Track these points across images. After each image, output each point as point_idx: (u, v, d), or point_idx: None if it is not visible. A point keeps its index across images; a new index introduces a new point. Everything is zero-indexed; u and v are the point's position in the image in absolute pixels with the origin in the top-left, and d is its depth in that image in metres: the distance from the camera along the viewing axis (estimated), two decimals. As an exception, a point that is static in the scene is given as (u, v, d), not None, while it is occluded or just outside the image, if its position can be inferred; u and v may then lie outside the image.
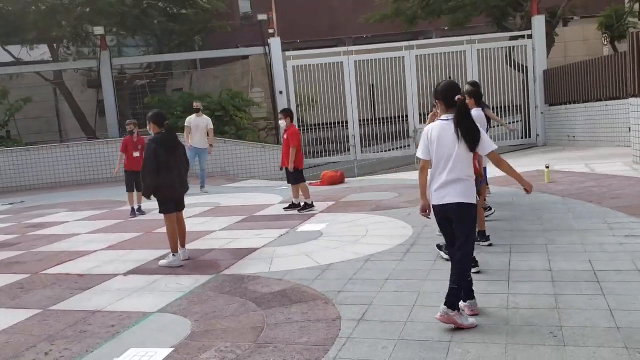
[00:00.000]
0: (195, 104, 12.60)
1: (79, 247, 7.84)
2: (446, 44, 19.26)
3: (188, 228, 8.19)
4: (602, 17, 21.79)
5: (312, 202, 9.05)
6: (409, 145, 18.81)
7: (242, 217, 8.96)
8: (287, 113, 9.18)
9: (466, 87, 9.04)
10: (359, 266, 5.67)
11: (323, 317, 4.35)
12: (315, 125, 18.47)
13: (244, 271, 5.89)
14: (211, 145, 12.50)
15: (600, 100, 15.70)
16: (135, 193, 10.07)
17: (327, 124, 18.49)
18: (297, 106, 18.45)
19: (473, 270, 4.60)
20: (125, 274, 6.19)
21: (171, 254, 6.34)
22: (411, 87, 18.43)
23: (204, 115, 12.65)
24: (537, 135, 18.94)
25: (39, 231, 9.37)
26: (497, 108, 19.17)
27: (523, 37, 19.14)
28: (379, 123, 18.78)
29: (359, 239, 6.86)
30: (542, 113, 18.83)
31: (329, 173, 12.36)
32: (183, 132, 12.29)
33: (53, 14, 17.62)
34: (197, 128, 12.20)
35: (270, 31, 18.48)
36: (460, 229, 3.99)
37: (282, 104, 17.76)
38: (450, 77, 17.48)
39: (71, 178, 16.33)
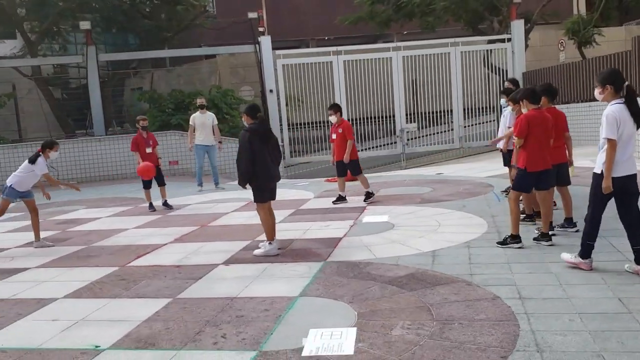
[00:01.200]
0: (199, 100, 12.33)
1: (141, 240, 7.75)
2: (431, 46, 19.79)
3: (241, 221, 8.31)
4: (569, 24, 22.87)
5: (372, 191, 9.39)
6: (395, 142, 19.19)
7: (290, 211, 9.04)
8: (337, 108, 9.34)
9: (505, 84, 9.51)
10: (465, 252, 5.92)
11: (481, 297, 4.58)
12: (305, 124, 18.59)
13: (349, 258, 6.03)
14: (220, 142, 12.39)
15: (584, 101, 16.55)
16: (152, 189, 10.18)
17: (316, 122, 18.65)
18: (286, 105, 18.56)
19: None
20: (226, 264, 6.21)
21: (267, 242, 6.40)
22: (398, 87, 18.85)
23: (208, 112, 12.42)
24: (516, 135, 19.66)
25: (78, 227, 9.17)
26: (475, 109, 19.94)
27: (502, 40, 19.92)
28: (367, 122, 19.10)
29: (437, 229, 7.11)
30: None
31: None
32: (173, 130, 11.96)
33: (41, 5, 17.02)
34: (203, 125, 11.99)
35: (261, 29, 18.50)
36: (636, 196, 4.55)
37: (272, 102, 17.87)
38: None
39: (61, 176, 15.83)
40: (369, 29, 23.34)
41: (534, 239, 6.05)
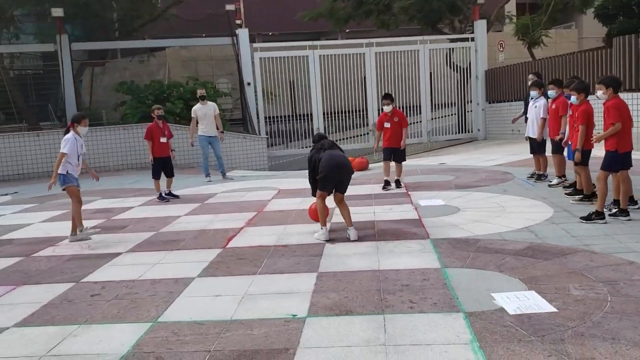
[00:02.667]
0: (199, 91, 12.21)
1: (209, 226, 7.78)
2: (402, 43, 20.50)
3: (292, 207, 8.50)
4: (518, 24, 24.26)
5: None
6: (367, 133, 19.71)
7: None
8: (391, 98, 9.72)
9: (530, 76, 10.19)
10: (556, 228, 6.45)
11: (619, 262, 5.11)
12: (280, 117, 18.75)
13: (450, 235, 6.41)
14: (222, 132, 12.40)
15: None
16: (163, 179, 10.16)
17: (293, 115, 18.85)
18: (263, 98, 18.66)
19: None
20: (332, 242, 6.42)
21: (320, 228, 6.72)
22: (371, 82, 19.40)
23: (209, 102, 12.39)
24: (478, 129, 20.78)
25: (120, 215, 9.00)
26: (439, 104, 20.89)
27: (466, 39, 20.94)
28: (341, 115, 19.52)
29: (503, 209, 7.62)
30: (482, 110, 20.68)
31: (356, 159, 12.89)
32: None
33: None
34: (205, 116, 11.89)
35: (238, 22, 18.50)
36: None
37: (249, 95, 17.95)
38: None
39: (41, 169, 15.20)
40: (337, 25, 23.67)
41: (610, 214, 6.65)
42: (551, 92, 9.14)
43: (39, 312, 4.77)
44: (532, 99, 9.57)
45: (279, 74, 18.57)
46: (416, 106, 20.24)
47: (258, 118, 18.20)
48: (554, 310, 4.14)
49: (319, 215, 6.77)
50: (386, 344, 3.78)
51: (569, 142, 8.16)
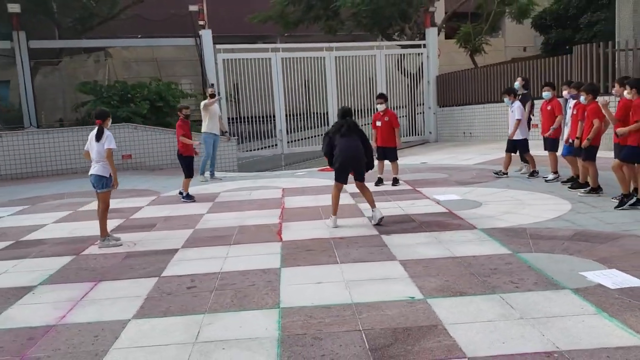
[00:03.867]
0: (210, 90, 12.40)
1: (245, 222, 7.89)
2: (360, 48, 21.08)
3: (309, 203, 8.76)
4: (461, 33, 25.48)
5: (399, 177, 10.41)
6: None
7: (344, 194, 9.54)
8: (385, 98, 10.10)
9: (518, 79, 10.88)
10: (587, 217, 7.06)
11: (669, 242, 5.73)
12: (244, 118, 18.80)
13: (495, 225, 6.88)
14: (226, 132, 12.46)
15: (499, 102, 18.81)
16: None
17: (257, 117, 18.94)
18: (226, 99, 18.68)
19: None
20: (388, 234, 6.73)
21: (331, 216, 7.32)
22: (331, 85, 19.83)
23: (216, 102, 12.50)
24: (430, 132, 21.69)
25: (137, 215, 8.91)
26: (395, 107, 21.57)
27: (419, 46, 21.80)
28: (304, 117, 19.80)
29: (524, 202, 8.20)
30: (434, 113, 21.61)
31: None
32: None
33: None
34: (215, 114, 12.04)
35: (201, 23, 18.43)
36: None
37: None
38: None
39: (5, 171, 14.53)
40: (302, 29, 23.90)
41: (631, 204, 7.35)
42: (546, 94, 9.86)
43: (148, 305, 4.78)
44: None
45: (242, 76, 18.61)
46: (373, 109, 20.80)
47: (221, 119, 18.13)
48: (642, 283, 4.64)
49: (332, 202, 7.33)
50: (524, 317, 4.13)
51: (570, 140, 8.85)
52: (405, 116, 22.53)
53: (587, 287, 4.66)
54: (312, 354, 3.72)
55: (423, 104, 22.07)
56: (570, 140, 8.87)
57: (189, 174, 9.87)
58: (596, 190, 8.31)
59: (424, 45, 21.51)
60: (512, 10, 25.03)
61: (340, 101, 20.01)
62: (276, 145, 19.27)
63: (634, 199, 7.36)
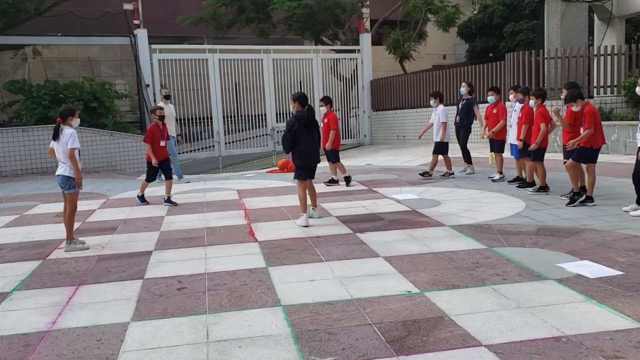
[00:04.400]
0: (164, 91, 12.08)
1: (210, 224, 7.82)
2: (297, 51, 21.23)
3: (270, 204, 8.85)
4: (390, 40, 26.16)
5: (350, 176, 10.53)
6: (267, 134, 20.03)
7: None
8: (327, 101, 10.37)
9: (463, 84, 11.35)
10: (545, 213, 7.49)
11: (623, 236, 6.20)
12: (181, 120, 18.48)
13: (462, 222, 7.17)
14: (179, 135, 12.25)
15: (412, 107, 19.57)
16: (157, 183, 10.11)
17: (192, 119, 18.68)
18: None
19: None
20: (363, 232, 6.87)
21: (301, 214, 7.47)
22: (269, 88, 19.86)
23: (170, 103, 12.22)
24: (365, 135, 22.14)
25: (93, 218, 8.63)
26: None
27: (353, 51, 22.21)
28: (241, 119, 19.70)
29: (480, 200, 8.58)
30: (368, 117, 22.08)
31: (289, 161, 13.25)
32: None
33: None
34: (171, 116, 11.78)
35: (136, 22, 17.97)
36: None
37: (149, 97, 17.56)
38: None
39: None
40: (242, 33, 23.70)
41: (580, 201, 7.85)
42: (490, 98, 10.36)
43: (143, 307, 4.67)
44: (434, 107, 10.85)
45: (178, 77, 18.31)
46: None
47: (157, 121, 17.76)
48: (621, 272, 5.01)
49: (299, 202, 7.51)
50: (521, 306, 4.37)
51: (517, 142, 9.34)
52: (340, 119, 22.85)
53: (568, 277, 4.97)
54: (331, 348, 3.77)
55: (357, 108, 22.46)
56: (516, 142, 9.35)
57: (150, 178, 9.58)
58: (544, 188, 8.80)
59: (359, 51, 21.90)
60: (438, 19, 25.90)
61: (278, 104, 20.07)
62: (213, 147, 19.04)
63: (583, 197, 7.85)
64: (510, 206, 8.03)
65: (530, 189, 9.02)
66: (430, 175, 10.83)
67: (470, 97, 11.40)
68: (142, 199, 9.56)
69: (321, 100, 10.47)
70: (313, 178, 7.73)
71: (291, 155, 7.76)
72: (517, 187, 9.39)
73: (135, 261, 6.03)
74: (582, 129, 7.70)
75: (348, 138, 21.99)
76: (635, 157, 7.17)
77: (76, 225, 7.83)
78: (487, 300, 4.51)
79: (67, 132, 6.46)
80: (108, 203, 9.78)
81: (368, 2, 23.68)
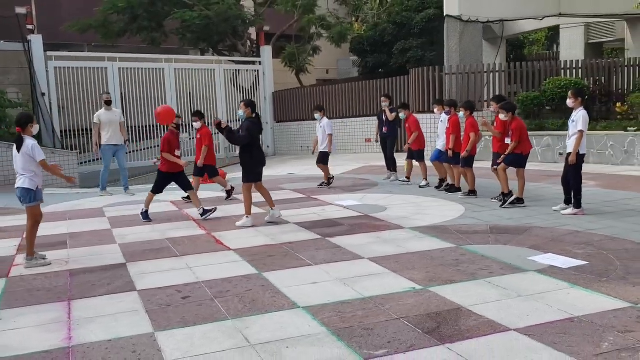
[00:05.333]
0: (105, 96, 11.56)
1: (168, 235, 7.67)
2: (199, 61, 21.02)
3: (217, 214, 8.88)
4: (286, 53, 26.68)
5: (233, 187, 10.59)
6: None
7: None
8: (200, 116, 10.34)
9: (382, 99, 11.99)
10: (487, 214, 8.15)
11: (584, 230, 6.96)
12: (78, 130, 17.67)
13: (421, 224, 7.63)
14: (127, 141, 11.80)
15: (342, 117, 20.21)
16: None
17: (90, 130, 17.85)
18: (59, 109, 17.45)
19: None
20: (331, 237, 7.11)
21: (245, 216, 7.90)
22: (171, 97, 19.51)
23: (114, 108, 11.73)
24: (268, 146, 22.36)
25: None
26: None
27: (254, 62, 22.39)
28: (145, 130, 19.14)
29: (421, 204, 9.12)
30: (271, 128, 22.35)
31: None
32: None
33: None
34: (111, 123, 11.22)
35: (29, 27, 16.97)
36: None
37: (45, 106, 16.66)
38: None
39: None
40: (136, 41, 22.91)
41: (510, 202, 8.62)
42: (401, 115, 11.18)
43: (157, 318, 4.56)
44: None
45: (76, 86, 17.47)
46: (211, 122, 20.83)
47: (53, 132, 16.89)
48: (586, 262, 5.65)
49: (245, 204, 7.86)
50: (521, 295, 4.81)
51: (447, 149, 10.05)
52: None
53: (543, 268, 5.51)
54: (377, 342, 3.96)
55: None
56: (443, 150, 10.06)
57: (158, 189, 8.81)
58: (473, 192, 9.53)
59: (260, 63, 22.08)
60: (331, 34, 26.77)
61: (181, 113, 19.67)
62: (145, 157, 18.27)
63: (514, 197, 8.62)
64: (451, 209, 8.61)
65: (460, 193, 9.70)
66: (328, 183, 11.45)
67: (391, 107, 12.02)
68: (146, 216, 8.65)
69: (193, 115, 10.33)
70: (261, 181, 8.01)
71: (240, 161, 7.94)
72: (446, 192, 10.05)
73: (114, 274, 5.81)
74: (509, 140, 8.49)
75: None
76: (563, 162, 8.02)
77: (16, 240, 7.37)
78: (488, 291, 4.91)
79: (29, 143, 6.09)
80: (64, 215, 9.17)
81: (264, 17, 23.94)
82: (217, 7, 21.37)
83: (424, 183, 10.90)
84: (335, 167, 14.39)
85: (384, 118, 11.92)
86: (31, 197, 6.16)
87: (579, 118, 7.77)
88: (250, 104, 7.97)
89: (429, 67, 15.91)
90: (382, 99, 12.07)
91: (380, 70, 26.15)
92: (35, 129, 6.27)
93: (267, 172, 14.05)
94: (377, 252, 6.27)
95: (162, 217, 8.86)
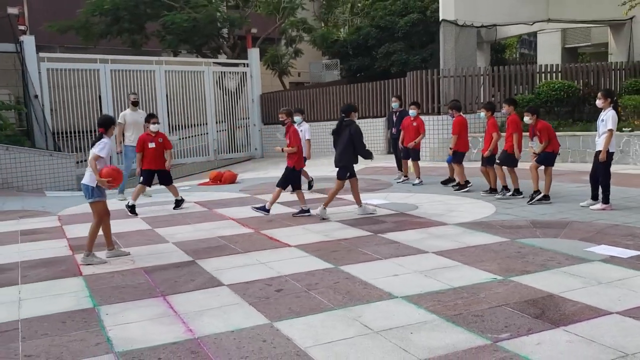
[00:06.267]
0: (132, 97, 11.36)
1: (217, 234, 7.76)
2: (188, 63, 20.97)
3: (244, 214, 9.11)
4: (268, 55, 26.83)
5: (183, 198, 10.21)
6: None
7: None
8: (156, 117, 9.82)
9: (393, 99, 12.29)
10: (520, 209, 8.50)
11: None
12: (71, 132, 17.45)
13: (459, 221, 7.91)
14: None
15: (322, 120, 20.47)
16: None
17: (84, 131, 17.69)
18: (51, 111, 17.21)
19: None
20: (383, 233, 7.32)
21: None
22: (161, 99, 19.44)
23: (139, 109, 11.59)
24: (255, 149, 22.44)
25: (74, 234, 8.09)
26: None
27: (243, 65, 22.44)
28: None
29: (450, 202, 9.39)
30: (259, 130, 22.43)
31: (225, 173, 13.21)
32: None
33: None
34: (135, 124, 10.96)
35: (22, 28, 16.71)
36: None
37: (37, 108, 16.43)
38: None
39: None
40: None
41: (538, 199, 8.99)
42: (412, 112, 11.47)
43: (265, 309, 4.64)
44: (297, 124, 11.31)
45: (68, 87, 17.26)
46: (202, 124, 20.88)
47: (46, 134, 16.65)
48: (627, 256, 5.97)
49: (330, 195, 8.45)
50: (601, 282, 5.11)
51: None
52: (225, 130, 22.81)
53: (606, 258, 5.84)
54: (494, 326, 4.17)
55: (248, 119, 22.54)
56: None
57: (297, 185, 9.06)
58: (465, 185, 10.16)
59: (248, 65, 22.14)
60: (313, 37, 27.03)
61: (170, 115, 19.65)
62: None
63: (541, 195, 8.99)
64: (482, 206, 8.93)
65: (460, 190, 10.06)
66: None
67: (402, 109, 12.31)
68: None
69: (150, 116, 9.76)
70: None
71: (348, 161, 8.49)
72: (454, 190, 10.44)
73: (190, 271, 5.88)
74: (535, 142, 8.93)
75: (235, 152, 22.05)
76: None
77: (61, 242, 7.35)
78: (567, 280, 5.19)
79: (103, 140, 6.18)
80: (66, 219, 9.10)
81: (250, 20, 24.00)
82: (205, 10, 21.36)
83: (417, 181, 11.31)
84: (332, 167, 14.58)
85: (394, 119, 12.18)
86: (89, 193, 6.21)
87: (608, 117, 8.18)
88: (353, 109, 8.64)
89: (427, 70, 16.30)
90: (393, 99, 12.33)
91: (361, 74, 26.53)
92: (111, 132, 6.33)
93: (269, 174, 14.24)
94: (438, 247, 6.49)
95: (198, 217, 8.91)
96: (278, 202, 9.24)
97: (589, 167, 9.00)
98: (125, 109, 10.81)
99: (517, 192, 9.42)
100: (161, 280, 5.57)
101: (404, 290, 5.02)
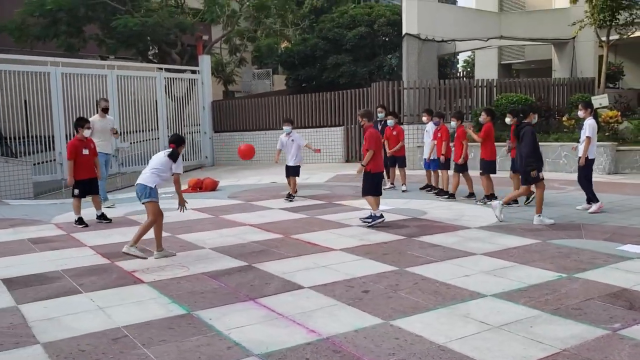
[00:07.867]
0: (104, 103, 10.88)
1: (247, 238, 7.70)
2: (142, 68, 20.40)
3: (254, 220, 9.02)
4: (213, 63, 26.57)
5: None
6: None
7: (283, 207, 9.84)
8: (85, 122, 9.32)
9: (378, 109, 12.62)
10: (527, 214, 8.97)
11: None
12: (12, 138, 16.56)
13: (480, 224, 8.25)
14: (117, 150, 11.26)
15: (280, 129, 20.51)
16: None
17: (33, 137, 16.83)
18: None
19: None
20: (417, 236, 7.53)
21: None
22: (113, 104, 18.73)
23: (108, 116, 11.11)
24: (206, 157, 22.13)
25: (95, 242, 7.76)
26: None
27: (194, 71, 22.09)
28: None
29: (454, 208, 9.73)
30: (210, 138, 22.15)
31: (205, 180, 12.98)
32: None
33: None
34: (103, 131, 10.61)
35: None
36: None
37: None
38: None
39: None
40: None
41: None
42: (390, 122, 11.87)
43: (368, 309, 4.69)
44: (287, 133, 11.50)
45: (16, 91, 16.37)
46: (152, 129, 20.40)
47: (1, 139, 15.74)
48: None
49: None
50: (658, 277, 5.56)
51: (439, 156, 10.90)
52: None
53: (642, 256, 6.32)
54: (599, 317, 4.43)
55: (194, 126, 22.13)
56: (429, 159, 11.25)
57: (377, 192, 8.53)
58: (453, 195, 10.53)
59: (198, 72, 21.83)
60: (257, 47, 27.05)
61: (122, 120, 19.05)
62: (56, 169, 17.18)
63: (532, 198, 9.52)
64: (486, 210, 9.30)
65: (478, 200, 10.48)
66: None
67: (387, 118, 12.62)
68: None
69: (79, 120, 9.37)
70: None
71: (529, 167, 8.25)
72: (435, 195, 10.96)
73: (256, 275, 5.83)
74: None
75: (184, 160, 21.51)
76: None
77: (86, 250, 7.07)
78: (627, 275, 5.58)
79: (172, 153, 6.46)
80: (70, 228, 8.70)
81: (201, 27, 23.69)
82: (156, 15, 20.88)
83: (404, 188, 11.74)
84: (311, 176, 14.73)
85: (379, 128, 12.46)
86: (147, 193, 6.16)
87: (586, 126, 8.87)
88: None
89: (392, 82, 16.81)
90: (379, 109, 12.64)
91: (308, 84, 26.77)
92: (181, 149, 6.52)
93: (243, 181, 14.14)
94: (481, 249, 6.74)
95: (211, 224, 8.78)
96: (281, 208, 9.29)
97: (548, 175, 9.61)
98: (78, 114, 10.32)
99: (492, 197, 9.97)
100: (236, 285, 5.48)
101: (488, 288, 5.22)
